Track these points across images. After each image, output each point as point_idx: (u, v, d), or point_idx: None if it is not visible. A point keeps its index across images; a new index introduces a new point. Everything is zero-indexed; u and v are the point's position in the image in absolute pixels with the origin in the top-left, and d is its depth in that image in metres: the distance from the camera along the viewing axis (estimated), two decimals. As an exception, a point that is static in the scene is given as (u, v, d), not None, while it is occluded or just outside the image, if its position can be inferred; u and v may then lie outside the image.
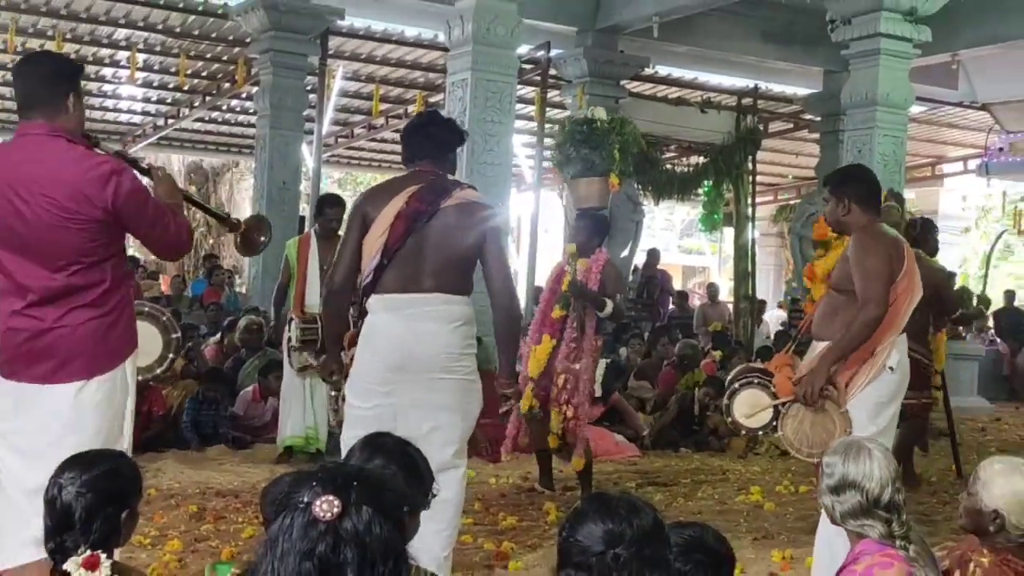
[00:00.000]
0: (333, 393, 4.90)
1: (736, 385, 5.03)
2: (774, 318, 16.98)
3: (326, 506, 1.65)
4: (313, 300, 6.85)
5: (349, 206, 5.66)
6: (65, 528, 2.45)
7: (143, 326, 4.60)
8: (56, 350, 3.36)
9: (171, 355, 4.74)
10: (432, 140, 4.22)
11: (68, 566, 2.38)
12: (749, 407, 4.95)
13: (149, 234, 3.53)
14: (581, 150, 6.55)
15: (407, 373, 3.96)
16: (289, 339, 7.03)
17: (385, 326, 4.00)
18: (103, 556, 2.44)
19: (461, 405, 4.08)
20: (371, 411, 3.96)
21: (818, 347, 4.42)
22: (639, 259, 14.91)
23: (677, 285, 19.59)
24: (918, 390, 7.44)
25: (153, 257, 21.09)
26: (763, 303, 16.11)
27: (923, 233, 7.47)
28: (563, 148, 6.66)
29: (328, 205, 7.23)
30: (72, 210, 3.26)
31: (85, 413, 3.40)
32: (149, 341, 4.57)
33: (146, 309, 4.79)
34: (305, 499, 1.67)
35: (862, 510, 2.85)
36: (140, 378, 5.00)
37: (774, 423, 4.66)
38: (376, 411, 3.95)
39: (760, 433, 5.15)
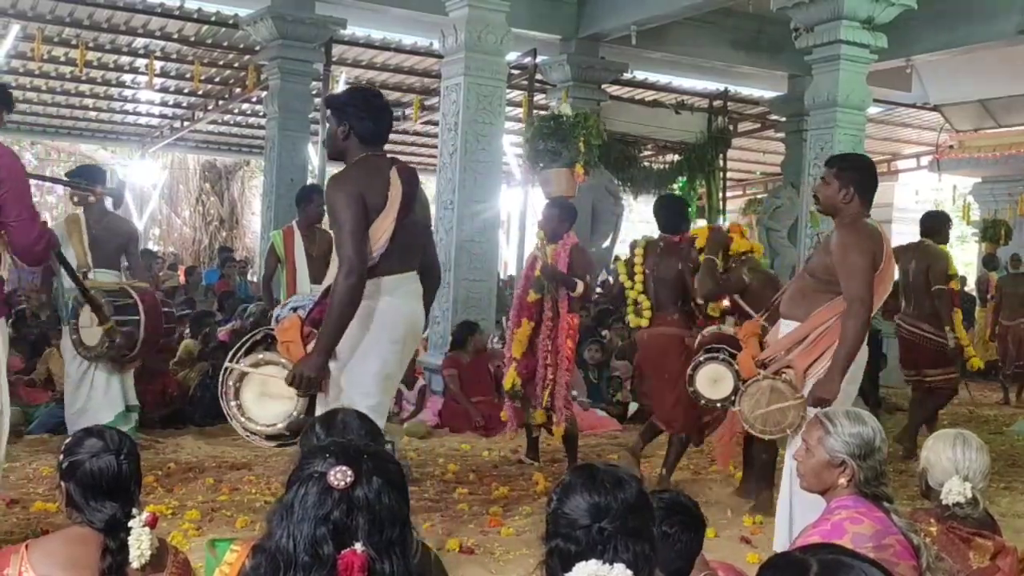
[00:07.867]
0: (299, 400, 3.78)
1: (702, 358, 5.06)
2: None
3: (340, 475, 1.65)
4: (304, 288, 6.51)
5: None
6: (121, 494, 2.39)
7: (88, 312, 5.43)
8: None
9: (109, 339, 5.47)
10: (390, 124, 3.99)
11: (132, 524, 2.33)
12: (711, 380, 5.01)
13: (20, 216, 3.80)
14: (549, 143, 6.51)
15: (405, 353, 3.93)
16: None
17: (390, 309, 3.81)
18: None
19: None
20: (386, 400, 3.85)
21: (784, 325, 4.31)
22: (620, 249, 14.90)
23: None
24: (941, 367, 7.43)
25: (172, 249, 21.12)
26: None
27: (938, 224, 7.50)
28: (533, 142, 6.63)
29: (319, 193, 6.97)
30: None
31: None
32: (92, 325, 5.44)
33: (91, 294, 5.41)
34: (320, 469, 1.67)
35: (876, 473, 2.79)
36: (90, 355, 5.57)
37: (732, 397, 4.69)
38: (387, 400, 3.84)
39: (718, 405, 5.12)
